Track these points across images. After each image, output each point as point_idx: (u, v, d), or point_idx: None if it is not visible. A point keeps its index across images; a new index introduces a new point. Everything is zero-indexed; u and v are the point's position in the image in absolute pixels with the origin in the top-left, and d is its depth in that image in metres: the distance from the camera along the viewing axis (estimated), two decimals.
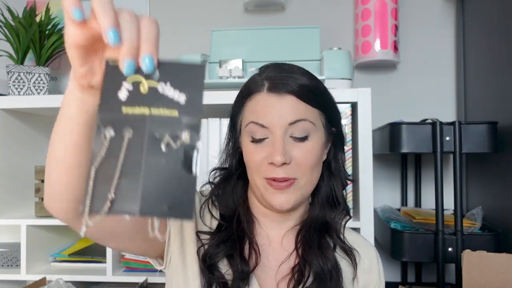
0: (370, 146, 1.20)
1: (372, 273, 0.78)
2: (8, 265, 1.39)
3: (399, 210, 1.49)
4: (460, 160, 1.23)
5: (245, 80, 1.31)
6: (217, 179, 0.78)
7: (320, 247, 0.72)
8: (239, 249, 0.70)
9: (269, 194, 0.69)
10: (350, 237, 0.79)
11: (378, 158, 1.65)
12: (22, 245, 1.33)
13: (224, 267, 0.70)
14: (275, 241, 0.75)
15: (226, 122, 1.25)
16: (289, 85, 0.68)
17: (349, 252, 0.75)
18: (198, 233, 0.72)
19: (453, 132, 1.23)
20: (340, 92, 1.23)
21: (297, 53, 1.39)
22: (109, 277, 1.30)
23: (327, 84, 1.28)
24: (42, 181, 1.38)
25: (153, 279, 1.29)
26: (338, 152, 0.76)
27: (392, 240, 1.27)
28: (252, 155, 0.69)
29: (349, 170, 1.23)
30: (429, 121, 1.27)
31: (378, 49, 1.53)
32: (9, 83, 1.43)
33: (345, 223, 0.77)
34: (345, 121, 1.23)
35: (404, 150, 1.25)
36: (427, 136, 1.24)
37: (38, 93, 1.44)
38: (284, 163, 0.66)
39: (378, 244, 1.40)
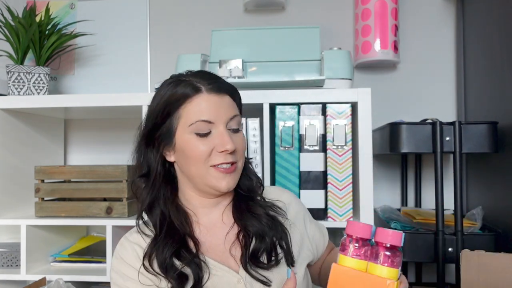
0: (370, 146, 1.20)
1: (291, 206, 0.91)
2: (8, 265, 1.39)
3: (399, 210, 1.49)
4: (460, 160, 1.23)
5: (245, 80, 1.32)
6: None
7: (250, 210, 0.85)
8: (183, 245, 0.80)
9: (216, 179, 0.80)
10: (269, 196, 0.91)
11: (378, 158, 1.65)
12: (22, 245, 1.33)
13: (180, 265, 0.79)
14: (217, 221, 0.86)
15: None
16: (225, 87, 0.82)
17: (273, 206, 0.87)
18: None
19: (453, 132, 1.23)
20: (340, 92, 1.23)
21: (297, 53, 1.39)
22: (109, 277, 1.30)
23: (327, 84, 1.29)
24: (42, 181, 1.38)
25: None
26: None
27: None
28: (199, 147, 0.79)
29: (349, 170, 1.23)
30: (429, 121, 1.27)
31: (378, 49, 1.53)
32: (9, 83, 1.43)
33: (261, 192, 0.90)
34: (345, 121, 1.23)
35: (404, 150, 1.25)
36: (427, 136, 1.24)
37: (38, 93, 1.44)
38: (232, 150, 0.79)
39: None
